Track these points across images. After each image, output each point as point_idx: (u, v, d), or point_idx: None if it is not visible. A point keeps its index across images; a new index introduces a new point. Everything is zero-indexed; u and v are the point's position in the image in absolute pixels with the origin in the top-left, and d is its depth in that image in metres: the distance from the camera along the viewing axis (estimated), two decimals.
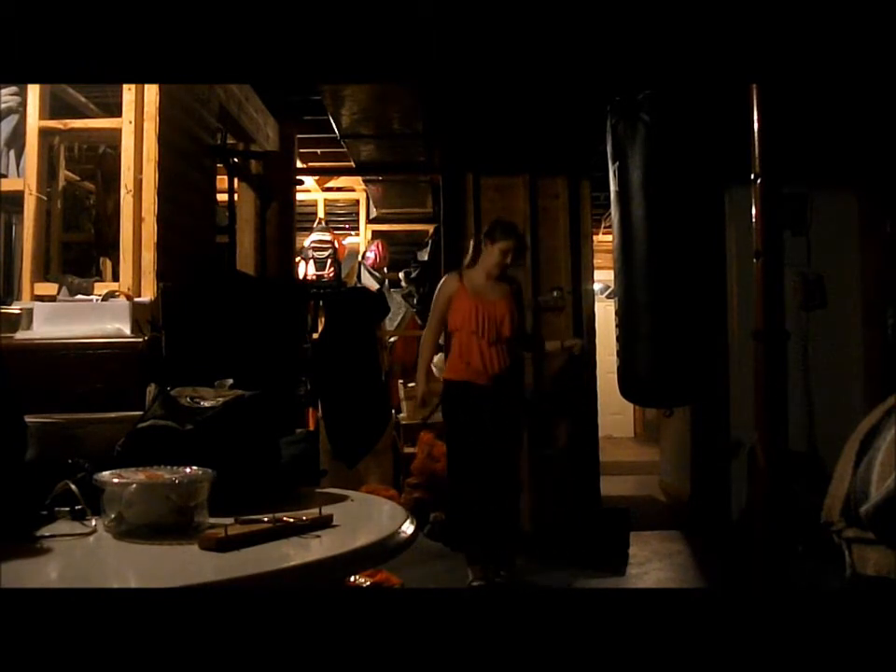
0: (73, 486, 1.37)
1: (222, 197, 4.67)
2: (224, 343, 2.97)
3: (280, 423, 1.85)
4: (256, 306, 3.32)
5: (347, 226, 8.86)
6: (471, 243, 4.50)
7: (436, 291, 4.45)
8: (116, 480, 1.33)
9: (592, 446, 5.74)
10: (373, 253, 7.66)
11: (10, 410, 1.38)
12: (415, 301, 7.32)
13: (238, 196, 4.96)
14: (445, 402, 4.37)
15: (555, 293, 5.94)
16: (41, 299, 3.43)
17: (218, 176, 4.72)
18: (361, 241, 8.06)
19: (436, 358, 5.03)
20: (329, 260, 7.01)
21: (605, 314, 6.86)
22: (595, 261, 6.42)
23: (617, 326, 4.12)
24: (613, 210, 4.12)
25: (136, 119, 3.54)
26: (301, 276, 6.80)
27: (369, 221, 8.12)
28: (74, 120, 3.77)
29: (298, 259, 6.82)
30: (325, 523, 1.39)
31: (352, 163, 6.48)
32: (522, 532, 4.88)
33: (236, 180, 4.65)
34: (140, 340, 3.01)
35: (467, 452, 4.22)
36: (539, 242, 6.10)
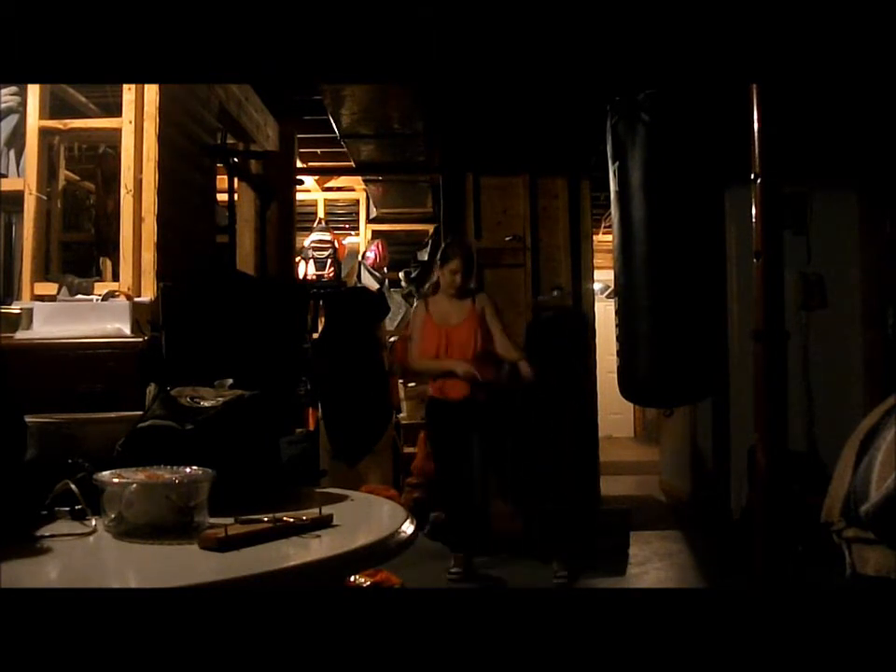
0: (73, 486, 1.37)
1: (222, 197, 4.67)
2: (224, 343, 2.97)
3: (280, 423, 1.85)
4: (255, 306, 3.31)
5: (347, 226, 8.86)
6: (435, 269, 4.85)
7: (411, 318, 4.84)
8: (116, 480, 1.33)
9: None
10: (373, 253, 7.65)
11: (10, 410, 1.38)
12: (415, 301, 7.32)
13: (238, 196, 4.96)
14: (428, 416, 4.70)
15: (555, 292, 5.94)
16: (41, 299, 3.42)
17: (218, 176, 4.72)
18: (361, 241, 8.05)
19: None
20: (329, 260, 7.01)
21: (605, 314, 6.86)
22: (595, 261, 6.42)
23: (617, 326, 4.11)
24: (613, 210, 4.12)
25: (136, 119, 3.54)
26: (300, 276, 6.79)
27: (369, 221, 8.12)
28: (74, 120, 3.77)
29: (298, 259, 6.81)
30: (325, 523, 1.39)
31: (352, 163, 6.48)
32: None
33: (236, 180, 4.65)
34: (140, 340, 3.01)
35: (449, 460, 4.50)
36: (538, 242, 6.10)
